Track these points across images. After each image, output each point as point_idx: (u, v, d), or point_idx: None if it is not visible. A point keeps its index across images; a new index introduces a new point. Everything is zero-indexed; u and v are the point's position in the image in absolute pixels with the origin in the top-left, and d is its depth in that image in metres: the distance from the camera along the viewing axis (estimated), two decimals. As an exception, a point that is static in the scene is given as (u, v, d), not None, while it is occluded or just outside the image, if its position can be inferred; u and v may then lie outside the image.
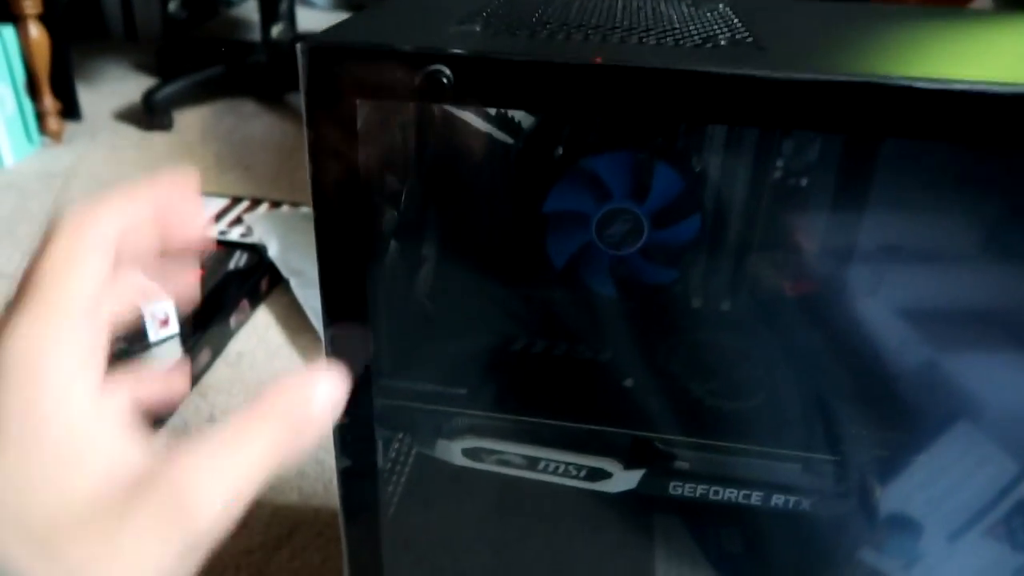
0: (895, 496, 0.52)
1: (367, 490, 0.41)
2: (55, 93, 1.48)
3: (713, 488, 0.43)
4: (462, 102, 0.32)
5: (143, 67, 1.94)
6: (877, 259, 0.49)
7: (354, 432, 0.39)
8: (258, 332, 0.94)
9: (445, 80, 0.30)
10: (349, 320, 0.38)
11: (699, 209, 0.45)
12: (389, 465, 0.52)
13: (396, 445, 0.53)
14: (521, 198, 0.48)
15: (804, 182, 0.48)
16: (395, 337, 0.44)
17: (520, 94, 0.30)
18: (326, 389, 0.23)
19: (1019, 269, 0.47)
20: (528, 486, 0.47)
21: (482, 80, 0.30)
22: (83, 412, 0.20)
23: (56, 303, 0.21)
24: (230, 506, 0.20)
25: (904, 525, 0.55)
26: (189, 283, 0.27)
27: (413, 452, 0.54)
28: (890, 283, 0.50)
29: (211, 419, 0.81)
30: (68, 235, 0.22)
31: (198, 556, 0.20)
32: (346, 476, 0.41)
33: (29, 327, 0.20)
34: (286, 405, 0.22)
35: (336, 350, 0.39)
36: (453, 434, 0.45)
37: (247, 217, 1.10)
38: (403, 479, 0.56)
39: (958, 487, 0.55)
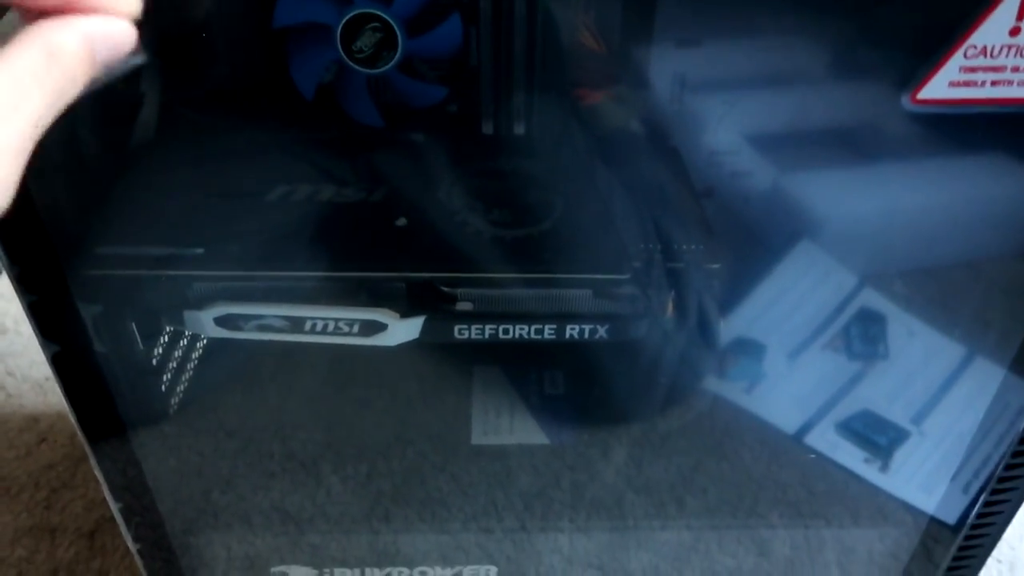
0: (737, 321, 0.50)
1: (93, 378, 0.35)
2: None
3: (502, 327, 0.39)
4: None
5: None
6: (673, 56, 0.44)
7: (52, 310, 0.32)
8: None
9: None
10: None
11: (458, 8, 0.38)
12: (160, 352, 0.46)
13: (169, 330, 0.46)
14: (249, 14, 0.39)
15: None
16: (101, 194, 0.36)
17: None
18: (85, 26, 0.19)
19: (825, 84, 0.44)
20: (333, 350, 0.42)
21: None
22: None
23: None
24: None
25: (747, 349, 0.54)
26: None
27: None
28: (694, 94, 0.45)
29: None
30: None
31: None
32: (59, 364, 0.34)
33: None
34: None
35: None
36: (200, 302, 0.38)
37: None
38: (192, 365, 0.50)
39: (799, 305, 0.54)
